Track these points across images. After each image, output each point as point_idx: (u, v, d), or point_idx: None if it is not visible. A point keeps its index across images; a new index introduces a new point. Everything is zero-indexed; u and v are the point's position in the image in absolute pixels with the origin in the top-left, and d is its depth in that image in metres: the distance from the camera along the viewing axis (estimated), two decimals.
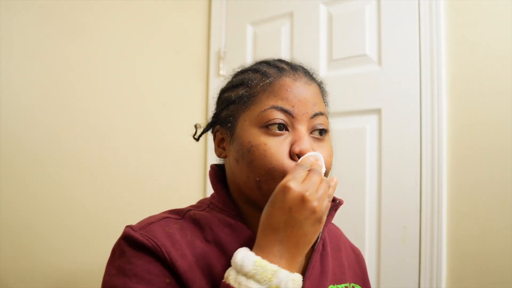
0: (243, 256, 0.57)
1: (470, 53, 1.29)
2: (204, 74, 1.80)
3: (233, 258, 0.57)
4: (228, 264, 0.60)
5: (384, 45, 1.44)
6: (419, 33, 1.37)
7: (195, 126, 0.85)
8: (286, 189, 0.58)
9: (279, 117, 0.67)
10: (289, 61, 0.77)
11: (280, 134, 0.67)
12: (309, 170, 0.61)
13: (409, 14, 1.39)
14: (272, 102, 0.68)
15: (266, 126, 0.67)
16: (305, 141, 0.66)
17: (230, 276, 0.56)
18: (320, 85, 0.77)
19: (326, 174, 0.69)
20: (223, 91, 0.79)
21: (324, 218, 0.60)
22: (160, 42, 1.66)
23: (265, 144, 0.65)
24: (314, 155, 0.65)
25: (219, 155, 0.75)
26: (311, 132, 0.70)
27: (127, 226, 0.67)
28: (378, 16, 1.46)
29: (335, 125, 1.53)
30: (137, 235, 0.64)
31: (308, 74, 0.75)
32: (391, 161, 1.40)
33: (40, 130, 1.28)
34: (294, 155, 0.66)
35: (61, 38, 1.34)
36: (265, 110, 0.67)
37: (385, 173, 1.40)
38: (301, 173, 0.60)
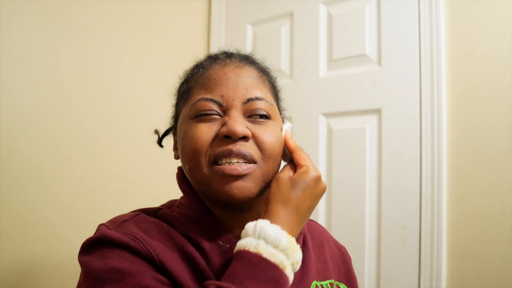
0: (274, 230, 0.59)
1: (470, 53, 1.29)
2: None
3: (257, 229, 0.59)
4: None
5: (384, 45, 1.44)
6: (419, 33, 1.37)
7: (156, 131, 0.87)
8: (318, 179, 0.66)
9: (209, 107, 0.67)
10: (229, 50, 0.76)
11: (211, 119, 0.67)
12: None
13: (409, 14, 1.39)
14: (201, 94, 0.68)
15: (198, 116, 0.67)
16: (233, 121, 0.65)
17: (252, 246, 0.57)
18: (261, 70, 0.74)
19: (269, 157, 0.67)
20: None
21: None
22: (160, 42, 1.66)
23: (193, 131, 0.66)
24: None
25: (175, 157, 0.76)
26: (250, 116, 0.68)
27: (100, 225, 0.65)
28: (378, 16, 1.46)
29: (335, 125, 1.53)
30: (115, 234, 0.61)
31: (243, 59, 0.73)
32: (391, 161, 1.40)
33: (40, 130, 1.28)
34: (222, 136, 0.64)
35: (61, 38, 1.34)
36: (194, 103, 0.68)
37: (385, 173, 1.40)
38: (310, 160, 0.68)
